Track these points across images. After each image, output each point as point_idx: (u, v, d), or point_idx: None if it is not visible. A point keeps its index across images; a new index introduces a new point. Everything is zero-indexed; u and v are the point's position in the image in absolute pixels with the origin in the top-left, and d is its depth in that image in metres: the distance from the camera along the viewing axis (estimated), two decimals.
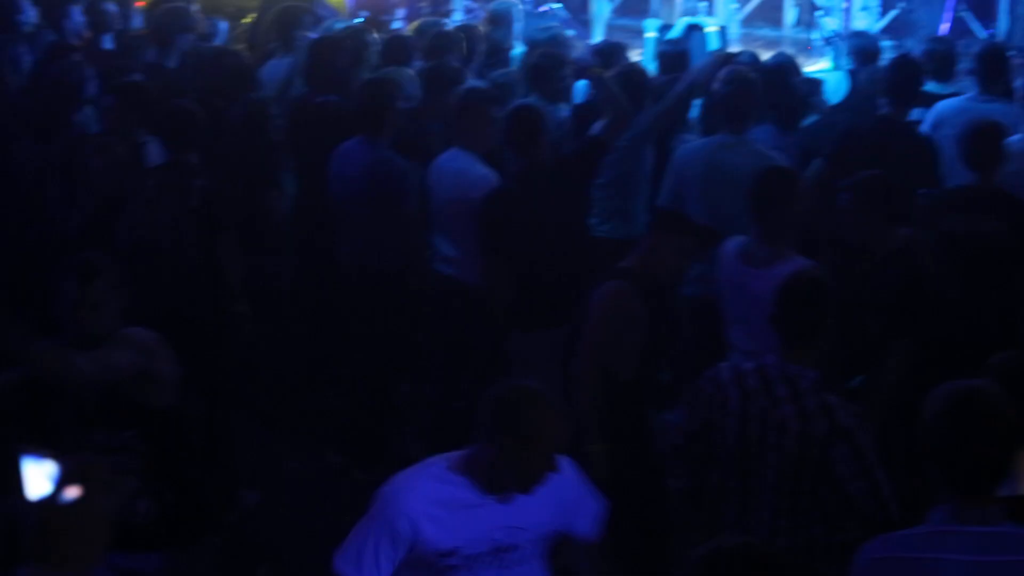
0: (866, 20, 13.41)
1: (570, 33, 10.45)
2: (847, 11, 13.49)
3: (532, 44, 9.68)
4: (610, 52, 9.43)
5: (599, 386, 6.14)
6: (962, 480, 3.99)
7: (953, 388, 4.08)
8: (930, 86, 8.97)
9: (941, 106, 8.48)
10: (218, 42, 10.48)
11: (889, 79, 8.24)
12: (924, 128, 8.37)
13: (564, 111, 8.67)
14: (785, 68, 9.09)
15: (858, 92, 9.30)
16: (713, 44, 11.75)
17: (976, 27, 14.69)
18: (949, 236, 6.90)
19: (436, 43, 9.48)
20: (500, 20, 10.43)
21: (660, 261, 6.30)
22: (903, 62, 8.48)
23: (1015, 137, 7.71)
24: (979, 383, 4.11)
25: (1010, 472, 4.01)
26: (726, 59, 8.59)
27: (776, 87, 8.43)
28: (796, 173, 6.76)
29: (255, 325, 7.67)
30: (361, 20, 11.65)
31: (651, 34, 12.88)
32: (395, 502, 4.39)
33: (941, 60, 9.09)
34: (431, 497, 4.39)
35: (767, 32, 15.49)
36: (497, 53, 9.87)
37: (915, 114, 8.54)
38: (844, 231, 6.63)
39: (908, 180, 7.23)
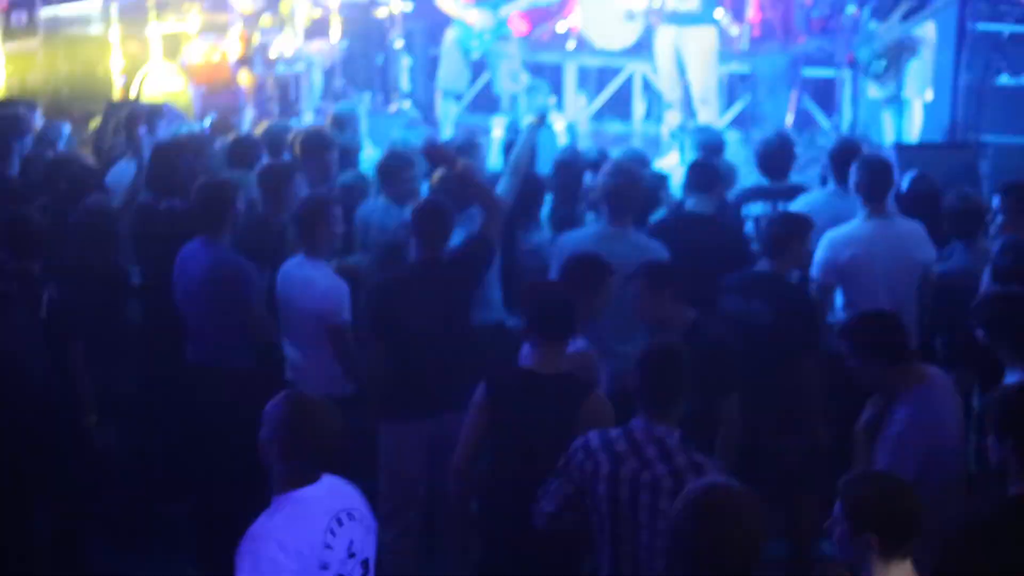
0: (711, 113, 13.58)
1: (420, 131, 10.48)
2: (689, 104, 13.66)
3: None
4: (468, 148, 9.46)
5: None
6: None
7: (697, 487, 4.41)
8: (764, 181, 9.29)
9: (802, 201, 8.77)
10: (61, 146, 10.32)
11: (688, 177, 8.69)
12: None
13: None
14: (634, 163, 9.20)
15: None
16: (561, 140, 11.87)
17: (820, 117, 14.98)
18: (725, 316, 7.31)
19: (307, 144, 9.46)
20: (346, 122, 10.43)
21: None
22: (697, 162, 8.93)
23: (852, 223, 8.04)
24: (723, 482, 4.44)
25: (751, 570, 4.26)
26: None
27: None
28: (607, 266, 7.04)
29: (105, 435, 7.54)
30: (209, 122, 11.61)
31: (497, 132, 13.08)
32: None
33: (773, 156, 9.29)
34: None
35: (617, 126, 15.64)
36: (345, 155, 9.84)
37: (757, 208, 8.80)
38: (639, 314, 7.08)
39: (714, 268, 7.75)
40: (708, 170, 8.76)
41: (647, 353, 5.66)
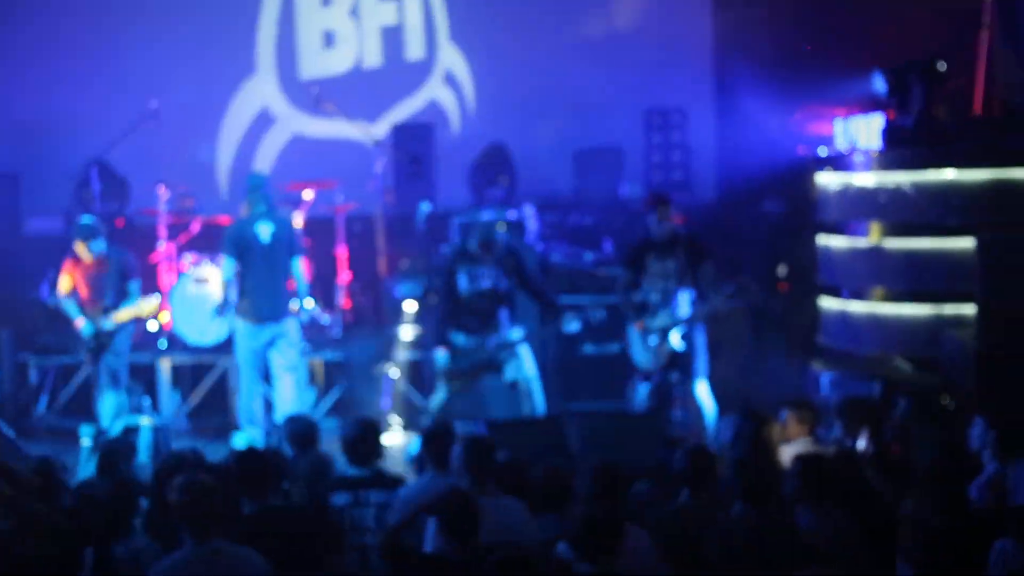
0: (306, 403, 13.59)
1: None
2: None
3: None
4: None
5: None
6: None
7: None
8: (353, 471, 9.35)
9: (408, 490, 8.97)
10: None
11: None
12: (395, 508, 8.75)
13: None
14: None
15: (298, 478, 9.41)
16: (150, 440, 11.72)
17: (417, 399, 15.22)
18: None
19: None
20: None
21: None
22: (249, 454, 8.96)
23: None
24: None
25: None
26: None
27: None
28: None
29: None
30: None
31: (86, 440, 12.79)
32: None
33: (356, 445, 9.38)
34: None
35: (215, 422, 15.47)
36: None
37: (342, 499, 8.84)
38: None
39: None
40: (264, 469, 8.75)
41: None
